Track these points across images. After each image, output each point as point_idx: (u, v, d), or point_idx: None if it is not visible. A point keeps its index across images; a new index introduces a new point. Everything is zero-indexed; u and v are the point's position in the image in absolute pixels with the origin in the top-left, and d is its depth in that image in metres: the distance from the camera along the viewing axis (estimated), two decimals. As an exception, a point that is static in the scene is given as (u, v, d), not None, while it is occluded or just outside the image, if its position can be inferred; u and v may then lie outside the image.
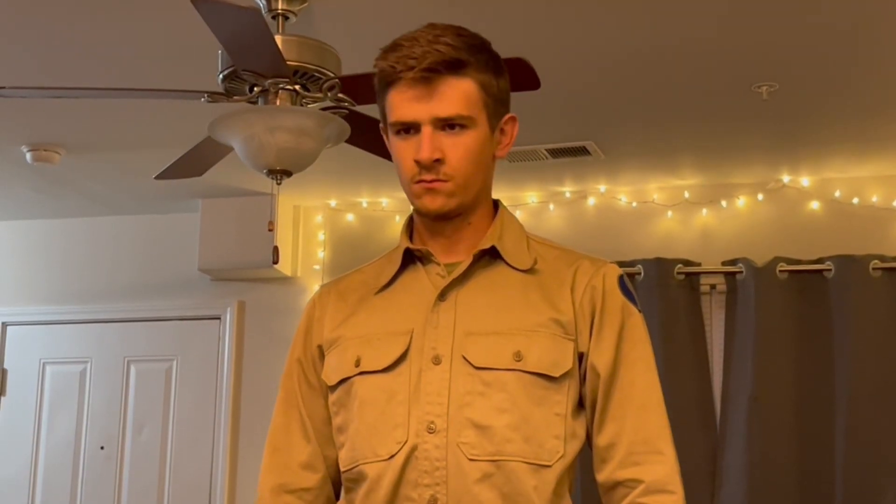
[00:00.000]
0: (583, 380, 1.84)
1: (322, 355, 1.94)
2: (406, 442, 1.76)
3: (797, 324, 5.01)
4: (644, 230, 5.35)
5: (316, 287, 5.60)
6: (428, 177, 1.81)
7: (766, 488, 4.86)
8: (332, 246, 5.69)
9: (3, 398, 5.98)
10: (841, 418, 4.85)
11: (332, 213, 5.73)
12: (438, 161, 1.79)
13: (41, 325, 5.99)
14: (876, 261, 4.95)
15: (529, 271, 1.86)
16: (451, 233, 1.88)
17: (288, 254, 5.63)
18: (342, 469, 1.86)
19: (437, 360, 1.79)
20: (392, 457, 1.77)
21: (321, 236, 5.71)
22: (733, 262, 5.13)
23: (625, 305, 1.86)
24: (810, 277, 5.04)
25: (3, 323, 6.02)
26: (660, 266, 5.14)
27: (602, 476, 1.82)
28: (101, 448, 5.81)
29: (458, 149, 1.81)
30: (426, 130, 1.79)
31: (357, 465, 1.82)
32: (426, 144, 1.79)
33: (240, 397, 5.67)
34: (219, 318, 5.77)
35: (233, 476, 5.60)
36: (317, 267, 5.68)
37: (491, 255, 1.87)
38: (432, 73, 1.78)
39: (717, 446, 5.01)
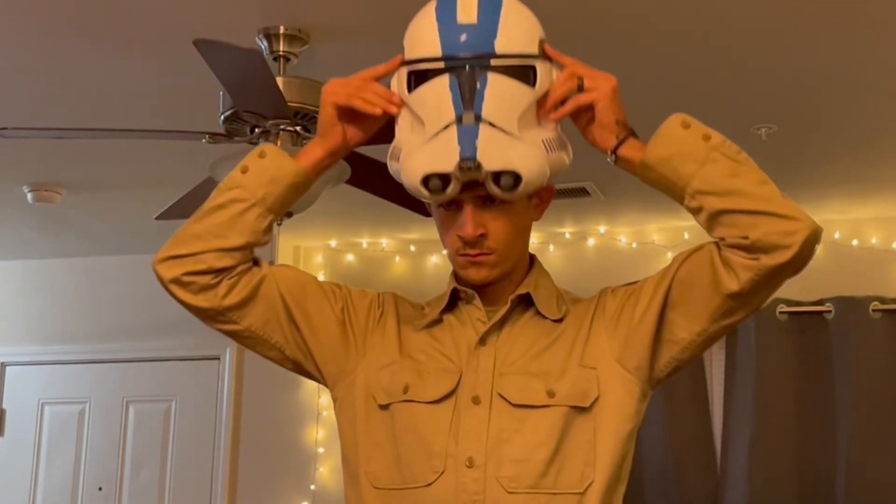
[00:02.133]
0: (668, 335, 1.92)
1: (351, 321, 1.98)
2: (443, 472, 1.83)
3: (797, 365, 5.00)
4: (644, 271, 5.29)
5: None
6: (472, 251, 1.90)
7: (767, 531, 4.84)
8: (332, 286, 5.68)
9: (1, 438, 5.96)
10: (842, 460, 4.83)
11: (333, 254, 5.73)
12: (482, 236, 1.89)
13: (40, 365, 5.98)
14: (876, 302, 4.95)
15: (559, 321, 1.95)
16: (492, 287, 1.97)
17: (288, 294, 5.62)
18: (377, 486, 1.89)
19: (476, 401, 1.86)
20: (429, 485, 1.84)
21: (321, 276, 5.71)
22: (733, 304, 5.12)
23: (621, 286, 2.01)
24: (810, 319, 5.04)
25: (2, 363, 6.02)
26: (660, 307, 5.12)
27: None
28: (100, 489, 5.78)
29: (499, 222, 1.89)
30: (468, 208, 1.87)
31: (400, 489, 1.87)
32: (469, 222, 1.87)
33: (239, 438, 5.65)
34: (218, 359, 5.76)
35: (231, 517, 5.58)
36: (317, 307, 5.68)
37: (525, 304, 1.96)
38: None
39: (717, 488, 4.99)
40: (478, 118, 1.79)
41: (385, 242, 5.62)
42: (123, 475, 5.78)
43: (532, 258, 2.04)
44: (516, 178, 1.80)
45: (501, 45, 1.82)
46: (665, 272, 1.94)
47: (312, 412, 5.51)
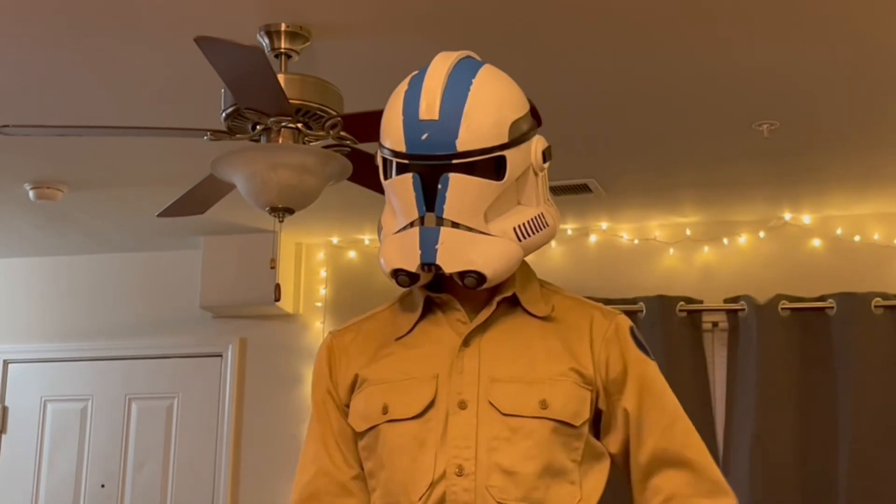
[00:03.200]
0: (605, 430, 1.91)
1: (352, 389, 1.94)
2: (434, 485, 1.79)
3: (799, 361, 5.00)
4: (646, 267, 5.35)
5: (318, 325, 5.61)
6: None
7: (769, 527, 4.84)
8: (335, 283, 5.69)
9: (3, 436, 5.96)
10: (844, 456, 4.83)
11: (335, 251, 5.73)
12: None
13: (42, 362, 5.98)
14: (878, 298, 4.94)
15: (547, 319, 1.90)
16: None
17: (290, 291, 5.63)
18: None
19: (462, 406, 1.82)
20: (421, 499, 1.79)
21: (323, 273, 5.71)
22: (735, 300, 5.13)
23: (640, 358, 1.92)
24: (812, 315, 5.04)
25: (4, 360, 6.02)
26: (662, 303, 5.13)
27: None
28: (102, 486, 5.78)
29: None
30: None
31: None
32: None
33: (241, 435, 5.65)
34: (220, 356, 5.76)
35: (234, 514, 5.58)
36: (319, 304, 5.68)
37: (511, 303, 1.90)
38: None
39: (719, 484, 4.98)
40: (439, 220, 1.80)
41: (387, 239, 5.61)
42: (126, 472, 5.78)
43: None
44: (479, 276, 1.81)
45: (463, 142, 1.79)
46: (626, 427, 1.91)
47: (314, 409, 5.50)
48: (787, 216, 5.19)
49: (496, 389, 1.82)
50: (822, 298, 5.03)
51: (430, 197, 1.81)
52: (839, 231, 5.14)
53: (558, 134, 4.20)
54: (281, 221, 3.46)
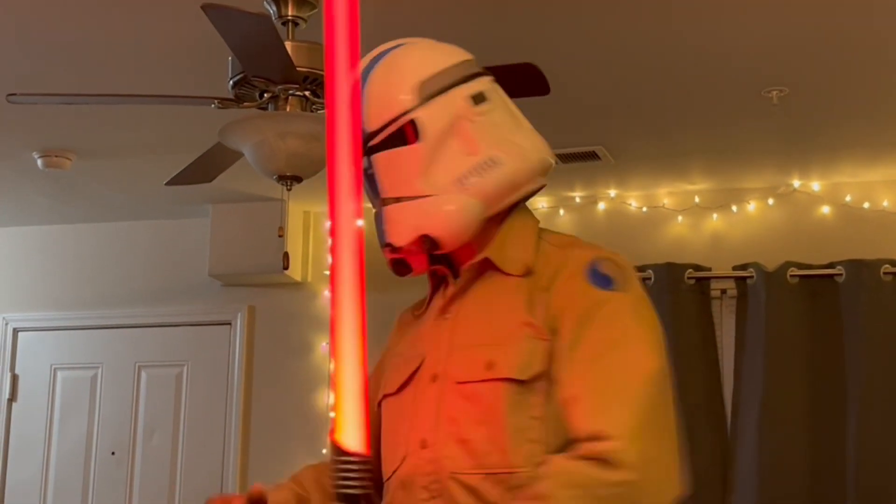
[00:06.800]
0: None
1: None
2: (405, 458, 1.80)
3: (808, 328, 5.00)
4: (654, 235, 5.34)
5: (326, 293, 5.61)
6: None
7: (777, 494, 4.84)
8: (343, 251, 5.68)
9: (14, 404, 5.99)
10: (852, 422, 4.84)
11: (343, 219, 5.72)
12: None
13: (52, 330, 6.00)
14: (887, 265, 4.94)
15: (525, 275, 1.82)
16: (463, 255, 1.88)
17: (298, 259, 5.63)
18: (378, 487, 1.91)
19: (433, 379, 1.82)
20: (395, 471, 1.82)
21: (330, 242, 5.70)
22: (744, 267, 5.12)
23: (584, 290, 1.76)
24: (821, 282, 5.03)
25: (14, 329, 6.04)
26: (670, 271, 5.13)
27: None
28: (112, 453, 5.82)
29: None
30: None
31: (382, 482, 1.88)
32: None
33: (250, 402, 5.68)
34: (229, 324, 5.78)
35: (244, 481, 5.61)
36: (326, 272, 5.67)
37: (487, 266, 1.85)
38: None
39: (727, 452, 5.00)
40: (383, 201, 1.85)
41: (395, 207, 5.61)
42: (136, 440, 5.81)
43: (511, 209, 1.88)
44: (431, 239, 1.82)
45: (370, 123, 1.83)
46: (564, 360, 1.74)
47: (323, 377, 5.53)
48: (796, 183, 5.18)
49: (455, 358, 1.81)
50: (830, 265, 5.02)
51: None
52: (848, 198, 5.13)
53: (567, 101, 4.19)
54: (289, 189, 3.46)
